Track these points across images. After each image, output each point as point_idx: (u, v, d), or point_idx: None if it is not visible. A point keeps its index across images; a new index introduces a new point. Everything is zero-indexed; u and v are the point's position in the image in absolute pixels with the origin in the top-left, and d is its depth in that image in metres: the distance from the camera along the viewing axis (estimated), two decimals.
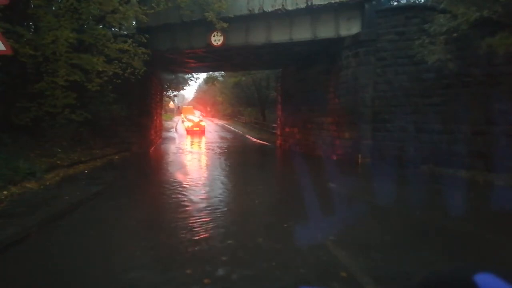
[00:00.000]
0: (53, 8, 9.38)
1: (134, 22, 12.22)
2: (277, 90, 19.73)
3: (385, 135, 10.03)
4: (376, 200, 6.21)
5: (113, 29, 11.47)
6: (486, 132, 8.35)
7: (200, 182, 8.28)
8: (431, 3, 9.49)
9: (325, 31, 11.38)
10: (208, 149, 16.27)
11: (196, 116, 32.91)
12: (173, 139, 21.42)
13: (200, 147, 17.83)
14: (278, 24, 11.73)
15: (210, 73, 30.61)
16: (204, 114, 49.26)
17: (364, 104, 10.34)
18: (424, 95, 9.39)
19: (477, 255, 3.75)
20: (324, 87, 12.53)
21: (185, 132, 26.20)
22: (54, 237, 4.25)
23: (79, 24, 9.04)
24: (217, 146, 17.05)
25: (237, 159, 13.88)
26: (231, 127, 32.82)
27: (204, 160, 12.94)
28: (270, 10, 11.22)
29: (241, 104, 34.79)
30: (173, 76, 26.64)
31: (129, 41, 10.01)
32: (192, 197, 6.56)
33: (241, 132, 27.02)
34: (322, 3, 10.87)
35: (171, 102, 48.91)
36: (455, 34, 7.83)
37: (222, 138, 22.46)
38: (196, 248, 3.92)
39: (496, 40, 7.10)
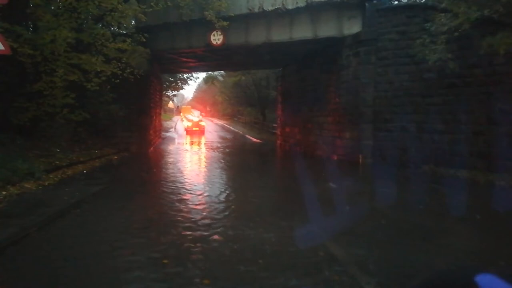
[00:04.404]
0: (52, 7, 9.33)
1: (133, 22, 12.16)
2: (277, 90, 19.70)
3: (386, 135, 10.01)
4: (376, 201, 6.18)
5: (112, 29, 11.40)
6: (487, 132, 8.32)
7: (200, 183, 8.24)
8: (432, 2, 9.45)
9: (326, 30, 11.35)
10: (208, 149, 16.23)
11: (195, 116, 32.91)
12: (172, 139, 21.37)
13: (200, 148, 17.78)
14: (278, 23, 11.69)
15: (210, 72, 30.60)
16: (203, 114, 49.24)
17: (365, 104, 10.31)
18: (425, 94, 9.37)
19: (477, 256, 3.72)
20: (325, 86, 12.50)
21: (185, 132, 26.15)
22: (53, 238, 4.21)
23: (78, 24, 8.99)
24: (217, 147, 17.01)
25: (237, 159, 13.85)
26: (231, 127, 32.81)
27: (203, 160, 12.89)
28: (270, 9, 11.17)
29: (241, 103, 34.75)
30: (173, 75, 26.62)
31: (128, 40, 9.96)
32: (191, 197, 6.52)
33: (241, 132, 26.99)
34: (322, 1, 10.83)
35: (170, 102, 48.87)
36: (456, 34, 7.80)
37: (221, 138, 22.42)
38: (194, 247, 3.88)
39: (497, 39, 7.07)
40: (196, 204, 5.96)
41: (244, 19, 11.75)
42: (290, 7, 11.01)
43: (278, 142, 18.40)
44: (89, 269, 3.35)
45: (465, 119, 8.68)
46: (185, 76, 29.65)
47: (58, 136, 9.73)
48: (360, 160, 10.26)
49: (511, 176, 7.29)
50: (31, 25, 9.22)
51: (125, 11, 9.63)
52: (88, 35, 9.27)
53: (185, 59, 15.79)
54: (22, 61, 7.63)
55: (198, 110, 50.57)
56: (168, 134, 24.57)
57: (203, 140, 21.24)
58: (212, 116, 54.95)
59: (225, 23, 10.97)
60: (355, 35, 10.73)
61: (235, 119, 39.46)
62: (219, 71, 29.29)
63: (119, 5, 9.21)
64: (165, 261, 3.56)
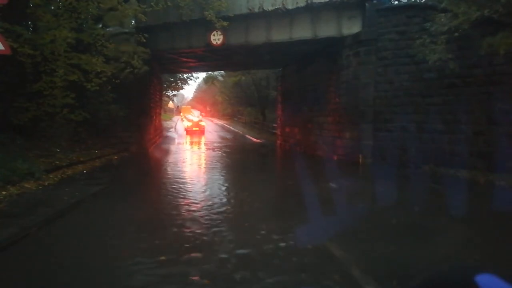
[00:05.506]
0: (52, 7, 9.33)
1: (133, 21, 12.16)
2: (278, 90, 19.71)
3: (386, 135, 10.00)
4: (377, 201, 6.17)
5: (111, 29, 11.37)
6: (488, 132, 8.32)
7: (200, 183, 8.24)
8: (432, 2, 9.45)
9: (326, 30, 11.35)
10: (208, 149, 16.23)
11: (195, 116, 32.88)
12: (172, 139, 21.37)
13: (200, 148, 17.79)
14: (278, 23, 11.69)
15: (210, 72, 30.59)
16: (203, 114, 49.22)
17: (365, 104, 10.30)
18: (425, 94, 9.37)
19: (477, 256, 3.72)
20: (325, 86, 12.50)
21: (185, 132, 26.14)
22: (53, 238, 4.22)
23: (78, 24, 8.99)
24: (217, 147, 17.01)
25: (237, 159, 13.84)
26: (231, 127, 32.80)
27: (203, 161, 12.90)
28: (270, 9, 11.16)
29: (241, 103, 34.74)
30: (173, 75, 26.61)
31: (131, 39, 9.97)
32: (191, 198, 6.52)
33: (241, 132, 26.98)
34: (322, 1, 10.83)
35: (170, 102, 48.87)
36: (456, 34, 7.80)
37: (221, 138, 22.42)
38: (194, 247, 3.89)
39: (497, 39, 7.06)
40: (196, 204, 5.96)
41: (244, 19, 11.74)
42: (290, 7, 11.01)
43: (278, 142, 18.40)
44: (89, 269, 3.35)
45: (465, 119, 8.68)
46: (185, 76, 29.66)
47: (58, 136, 9.72)
48: (360, 160, 10.26)
49: (511, 176, 7.29)
50: (31, 25, 9.22)
51: (125, 11, 9.62)
52: (88, 35, 9.28)
53: (185, 59, 15.79)
54: (22, 61, 7.62)
55: (198, 110, 50.52)
56: (168, 134, 24.57)
57: (203, 140, 21.23)
58: (212, 116, 54.93)
59: (225, 23, 10.97)
60: (355, 35, 10.73)
61: (235, 119, 39.44)
62: (219, 71, 29.28)
63: (119, 5, 9.21)
64: (163, 257, 3.57)
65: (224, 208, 5.77)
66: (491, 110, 8.26)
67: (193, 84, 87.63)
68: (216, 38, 12.10)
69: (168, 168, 10.72)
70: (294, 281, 3.17)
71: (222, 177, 9.33)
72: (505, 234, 4.45)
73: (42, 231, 4.30)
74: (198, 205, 5.89)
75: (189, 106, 57.28)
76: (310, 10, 11.18)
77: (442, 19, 8.22)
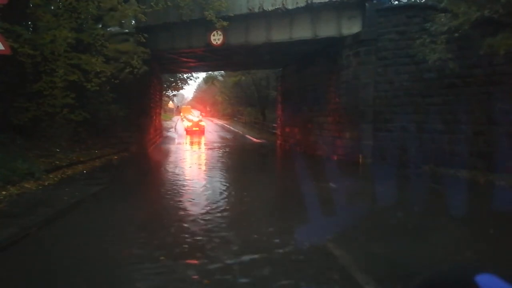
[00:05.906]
0: (52, 7, 9.33)
1: (133, 21, 12.16)
2: (277, 90, 19.71)
3: (386, 135, 10.00)
4: (376, 201, 6.17)
5: (109, 29, 11.36)
6: (488, 132, 8.32)
7: (200, 184, 8.24)
8: (432, 2, 9.45)
9: (326, 30, 11.35)
10: (208, 149, 16.24)
11: (195, 116, 32.88)
12: (172, 139, 21.37)
13: (200, 148, 17.79)
14: (278, 23, 11.69)
15: (210, 72, 30.58)
16: (203, 113, 49.20)
17: (365, 104, 10.31)
18: (425, 94, 9.37)
19: (477, 256, 3.72)
20: (325, 86, 12.50)
21: (185, 132, 26.14)
22: (53, 238, 4.21)
23: (78, 24, 9.00)
24: (217, 146, 17.01)
25: (236, 159, 13.85)
26: (231, 127, 32.80)
27: (203, 161, 12.90)
28: (270, 9, 11.16)
29: (241, 103, 34.73)
30: (173, 75, 26.61)
31: (131, 39, 9.97)
32: (191, 198, 6.52)
33: (241, 132, 26.98)
34: (322, 1, 10.82)
35: (170, 102, 48.86)
36: (456, 34, 7.80)
37: (222, 138, 22.42)
38: (194, 247, 3.88)
39: (497, 40, 7.06)
40: (196, 205, 5.96)
41: (244, 19, 11.74)
42: (290, 7, 11.00)
43: (278, 142, 18.39)
44: (89, 269, 3.35)
45: (465, 119, 8.67)
46: (185, 76, 29.67)
47: (58, 136, 9.72)
48: (360, 160, 10.26)
49: (511, 176, 7.29)
50: (31, 25, 9.22)
51: (125, 11, 9.63)
52: (88, 35, 9.28)
53: (185, 59, 15.79)
54: (22, 61, 7.62)
55: (198, 110, 50.49)
56: (168, 134, 24.57)
57: (203, 140, 21.24)
58: (212, 116, 54.92)
59: (225, 23, 10.97)
60: (355, 35, 10.73)
61: (235, 119, 39.43)
62: (219, 71, 29.27)
63: (119, 5, 9.21)
64: (163, 258, 3.57)
65: (223, 208, 5.77)
66: (491, 110, 8.26)
67: (193, 84, 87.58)
68: (216, 38, 12.10)
69: (168, 168, 10.72)
70: (294, 281, 3.17)
71: (222, 177, 9.32)
72: (505, 234, 4.45)
73: (42, 231, 4.30)
74: (198, 205, 5.89)
75: (189, 106, 57.28)
76: (310, 10, 11.18)
77: (442, 19, 8.22)
